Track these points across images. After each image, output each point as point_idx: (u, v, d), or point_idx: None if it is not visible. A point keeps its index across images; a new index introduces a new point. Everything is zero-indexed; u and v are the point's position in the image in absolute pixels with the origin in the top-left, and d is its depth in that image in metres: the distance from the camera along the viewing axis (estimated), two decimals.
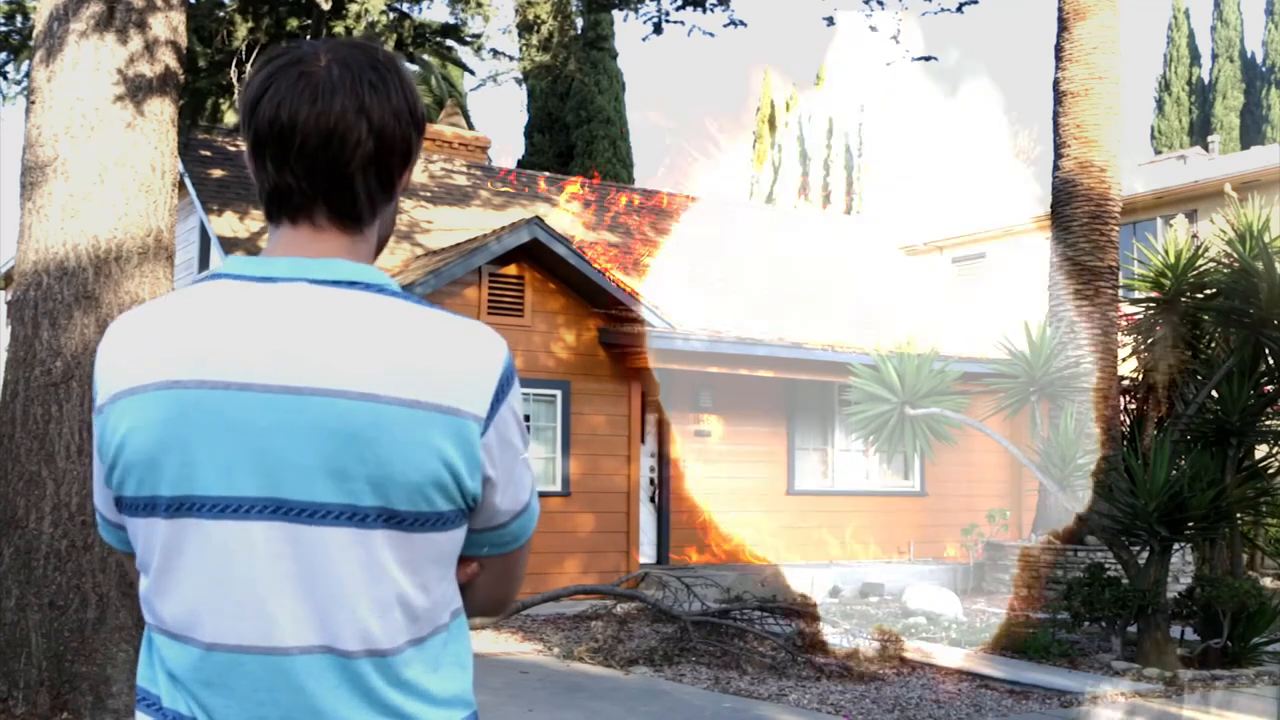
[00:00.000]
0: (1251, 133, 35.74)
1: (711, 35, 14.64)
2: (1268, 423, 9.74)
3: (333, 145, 1.38)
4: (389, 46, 14.39)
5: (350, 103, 1.38)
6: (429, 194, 16.19)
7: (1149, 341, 10.15)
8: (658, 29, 14.27)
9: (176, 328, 1.38)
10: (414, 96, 1.45)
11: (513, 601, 1.57)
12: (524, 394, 12.77)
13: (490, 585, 1.52)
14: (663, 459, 14.42)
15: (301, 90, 1.38)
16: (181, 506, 1.34)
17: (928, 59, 14.77)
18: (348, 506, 1.32)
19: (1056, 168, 14.75)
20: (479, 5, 13.88)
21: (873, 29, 14.24)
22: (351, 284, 1.38)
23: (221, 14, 14.21)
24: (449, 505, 1.37)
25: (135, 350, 1.39)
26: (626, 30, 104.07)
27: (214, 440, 1.33)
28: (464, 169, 17.30)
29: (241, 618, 1.33)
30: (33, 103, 6.72)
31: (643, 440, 14.07)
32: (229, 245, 13.34)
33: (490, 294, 12.66)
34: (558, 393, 12.97)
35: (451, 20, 15.78)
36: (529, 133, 29.48)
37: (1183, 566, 13.57)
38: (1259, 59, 37.13)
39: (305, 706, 1.33)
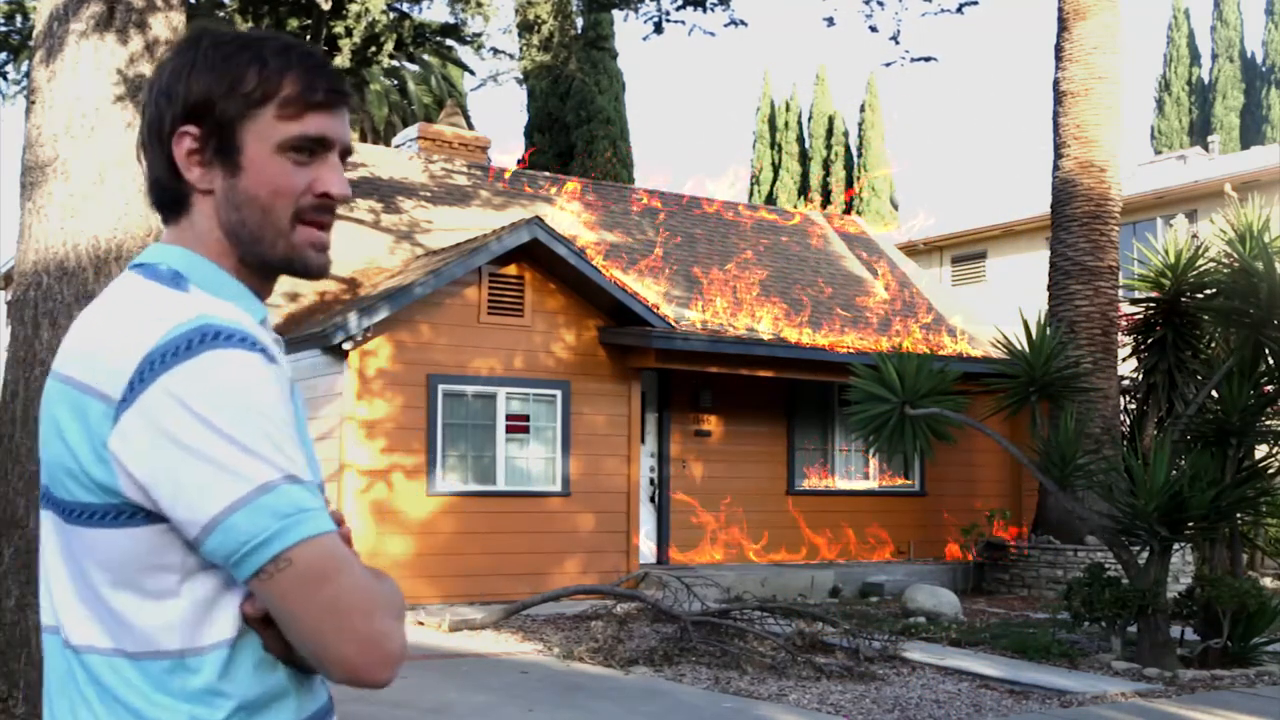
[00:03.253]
0: (1251, 133, 35.74)
1: (712, 35, 14.65)
2: (1268, 423, 9.73)
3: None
4: (389, 46, 14.41)
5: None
6: (429, 194, 16.18)
7: (1149, 341, 10.15)
8: (658, 29, 14.28)
9: None
10: (172, 71, 1.42)
11: (340, 660, 1.25)
12: (524, 394, 12.77)
13: (284, 629, 1.28)
14: (663, 459, 14.42)
15: None
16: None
17: (928, 59, 14.77)
18: (42, 489, 1.36)
19: (1056, 168, 14.75)
20: (479, 5, 13.89)
21: (873, 29, 14.25)
22: (134, 266, 1.41)
23: (221, 14, 14.22)
24: (90, 497, 1.27)
25: None
26: (626, 30, 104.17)
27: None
28: (464, 169, 17.30)
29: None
30: (33, 103, 6.72)
31: (643, 440, 14.07)
32: None
33: (490, 294, 12.66)
34: (558, 393, 12.97)
35: (451, 20, 15.79)
36: (529, 133, 29.48)
37: (1183, 566, 13.57)
38: (1259, 59, 37.12)
39: (50, 683, 1.37)
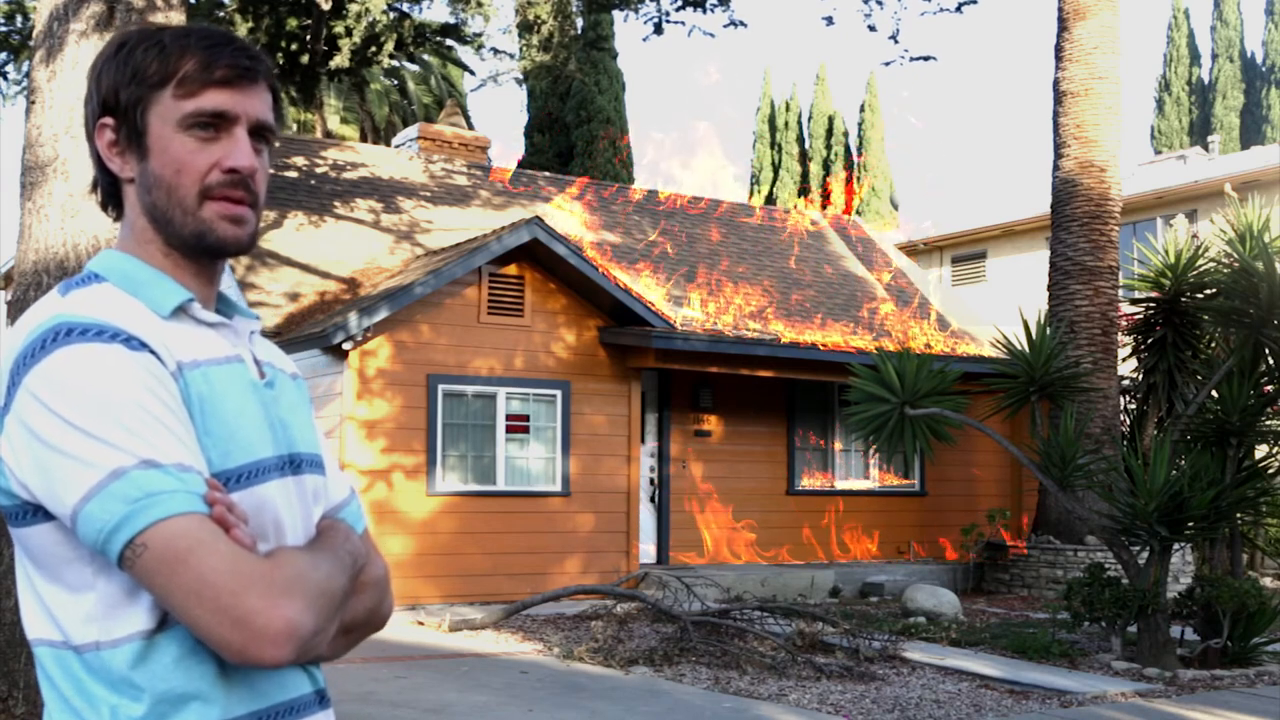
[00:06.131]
0: (1251, 133, 35.74)
1: (711, 36, 14.66)
2: (1268, 423, 9.74)
3: None
4: (389, 46, 14.41)
5: None
6: (429, 194, 16.18)
7: (1149, 341, 10.15)
8: (658, 29, 14.29)
9: None
10: (91, 74, 1.48)
11: (217, 641, 1.25)
12: (524, 394, 12.78)
13: (171, 613, 1.30)
14: (663, 459, 14.42)
15: None
16: None
17: (927, 59, 14.77)
18: None
19: (1056, 168, 14.75)
20: (479, 5, 13.90)
21: (872, 28, 14.26)
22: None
23: (221, 14, 14.22)
24: (4, 500, 1.34)
25: None
26: (626, 30, 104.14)
27: None
28: (464, 169, 17.30)
29: None
30: (33, 103, 6.72)
31: (643, 440, 14.06)
32: None
33: (490, 294, 12.66)
34: (558, 393, 12.97)
35: (451, 20, 15.81)
36: (529, 133, 29.48)
37: (1183, 566, 13.57)
38: (1259, 59, 37.12)
39: None
